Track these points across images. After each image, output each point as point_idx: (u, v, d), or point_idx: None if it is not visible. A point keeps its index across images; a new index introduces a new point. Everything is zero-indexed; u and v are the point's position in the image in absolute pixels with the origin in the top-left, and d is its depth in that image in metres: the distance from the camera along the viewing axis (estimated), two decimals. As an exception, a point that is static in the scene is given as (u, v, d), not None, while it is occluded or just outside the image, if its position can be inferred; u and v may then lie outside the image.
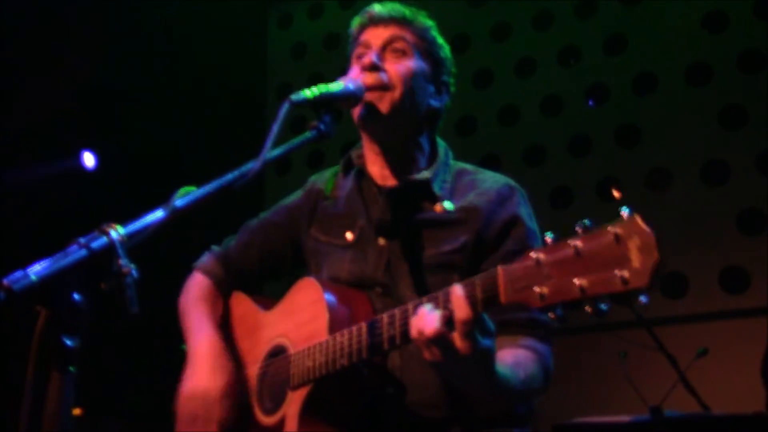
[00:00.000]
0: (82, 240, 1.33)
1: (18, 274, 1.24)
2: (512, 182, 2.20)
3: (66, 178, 5.80)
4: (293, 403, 1.99)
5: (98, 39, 5.50)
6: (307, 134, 1.82)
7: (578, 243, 1.38)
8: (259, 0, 6.38)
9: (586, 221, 1.39)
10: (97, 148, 6.01)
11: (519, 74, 5.61)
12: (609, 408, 4.06)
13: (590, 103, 5.38)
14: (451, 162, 2.25)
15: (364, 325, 1.84)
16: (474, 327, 1.56)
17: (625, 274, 1.30)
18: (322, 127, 1.82)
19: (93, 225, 1.37)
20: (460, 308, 1.56)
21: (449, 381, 1.78)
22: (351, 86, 2.00)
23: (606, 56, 5.34)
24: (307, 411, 1.95)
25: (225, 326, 2.40)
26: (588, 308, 1.36)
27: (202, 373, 2.18)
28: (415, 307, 1.69)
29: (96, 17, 5.41)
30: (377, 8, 2.21)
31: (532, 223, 2.14)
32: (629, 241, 1.31)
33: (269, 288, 2.59)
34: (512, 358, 1.87)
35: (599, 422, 3.53)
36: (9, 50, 5.28)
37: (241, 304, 2.42)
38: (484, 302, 1.55)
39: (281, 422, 2.02)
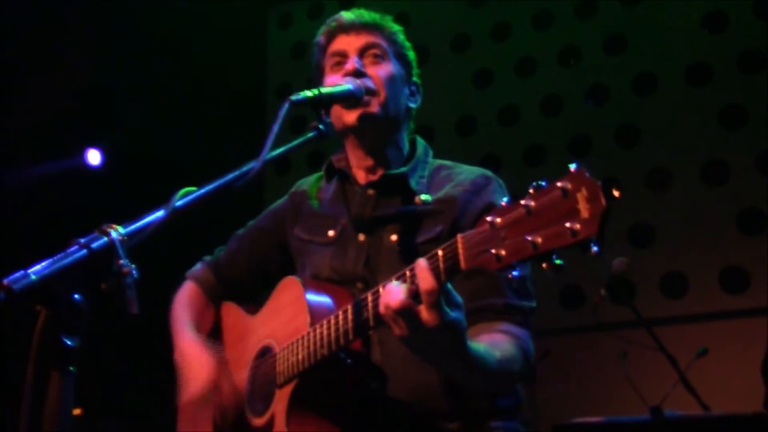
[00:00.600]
0: (82, 240, 1.33)
1: (18, 274, 1.24)
2: (488, 172, 2.22)
3: (67, 178, 5.80)
4: (281, 400, 1.99)
5: (98, 39, 5.51)
6: (307, 134, 1.82)
7: (529, 202, 1.40)
8: (259, 0, 6.38)
9: (541, 182, 1.41)
10: (97, 147, 6.02)
11: (519, 74, 5.61)
12: (609, 408, 4.06)
13: (590, 101, 5.38)
14: (430, 159, 2.28)
15: (341, 313, 1.85)
16: (439, 297, 1.58)
17: (575, 225, 1.31)
18: (321, 127, 1.82)
19: (94, 224, 1.37)
20: (424, 279, 1.58)
21: (424, 358, 1.77)
22: (351, 86, 2.01)
23: (606, 56, 5.35)
24: (295, 407, 1.95)
25: (216, 336, 2.41)
26: (544, 265, 1.38)
27: (190, 369, 2.24)
28: (385, 287, 1.71)
29: (96, 17, 5.41)
30: (346, 16, 2.24)
31: None
32: (577, 193, 1.33)
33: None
34: (488, 339, 1.87)
35: (599, 422, 3.53)
36: (9, 50, 5.28)
37: (231, 313, 2.44)
38: (447, 271, 1.57)
39: (271, 421, 2.03)
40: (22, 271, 1.25)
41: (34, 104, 5.39)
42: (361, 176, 2.24)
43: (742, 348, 4.39)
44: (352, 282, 2.10)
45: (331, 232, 2.20)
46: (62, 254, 1.30)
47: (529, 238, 1.37)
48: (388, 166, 2.20)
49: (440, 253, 1.58)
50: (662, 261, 4.92)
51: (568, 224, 1.32)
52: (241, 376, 2.24)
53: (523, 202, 1.41)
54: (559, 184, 1.36)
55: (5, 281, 1.22)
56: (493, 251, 1.44)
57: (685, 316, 4.78)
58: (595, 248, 1.31)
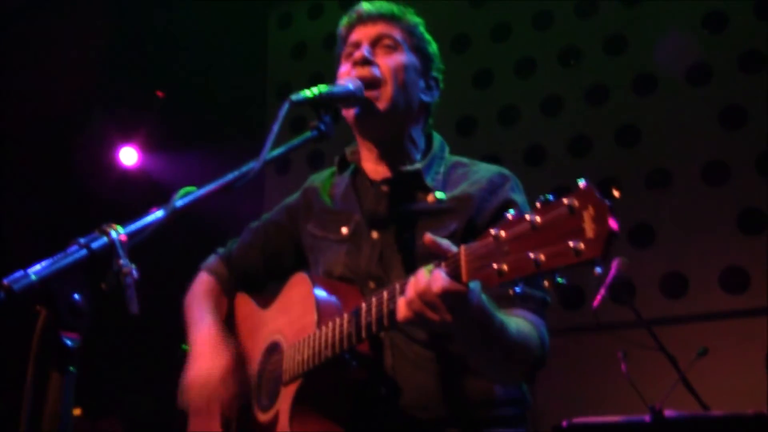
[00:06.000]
0: (82, 240, 1.33)
1: (18, 274, 1.24)
2: (505, 171, 2.20)
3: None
4: (285, 398, 2.00)
5: (98, 39, 5.51)
6: (307, 134, 1.82)
7: (535, 217, 1.37)
8: (259, 0, 6.38)
9: (548, 195, 1.37)
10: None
11: (519, 74, 5.61)
12: (609, 408, 4.06)
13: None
14: (447, 156, 2.26)
15: (346, 315, 1.85)
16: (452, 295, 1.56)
17: (579, 245, 1.28)
18: (322, 127, 1.82)
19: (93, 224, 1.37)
20: (436, 280, 1.56)
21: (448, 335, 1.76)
22: (351, 86, 2.01)
23: (606, 56, 5.35)
24: (298, 406, 1.96)
25: (229, 328, 2.41)
26: (546, 283, 1.36)
27: (204, 358, 2.23)
28: (390, 293, 1.71)
29: (96, 17, 5.41)
30: (365, 6, 2.22)
31: (526, 209, 2.12)
32: (584, 211, 1.29)
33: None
34: (506, 315, 1.85)
35: (599, 422, 3.53)
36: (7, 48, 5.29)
37: (244, 305, 2.44)
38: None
39: (275, 418, 2.04)
40: (22, 271, 1.25)
41: (35, 103, 5.39)
42: (373, 170, 2.21)
43: (742, 348, 4.39)
44: (365, 280, 2.08)
45: (344, 229, 2.18)
46: (62, 254, 1.30)
47: (532, 256, 1.35)
48: (400, 160, 2.17)
49: (444, 263, 1.57)
50: (662, 261, 4.92)
51: (571, 243, 1.29)
52: (250, 370, 2.25)
53: (528, 217, 1.38)
54: (565, 200, 1.32)
55: (5, 281, 1.22)
56: (495, 266, 1.42)
57: (685, 316, 4.77)
58: (598, 269, 1.28)
